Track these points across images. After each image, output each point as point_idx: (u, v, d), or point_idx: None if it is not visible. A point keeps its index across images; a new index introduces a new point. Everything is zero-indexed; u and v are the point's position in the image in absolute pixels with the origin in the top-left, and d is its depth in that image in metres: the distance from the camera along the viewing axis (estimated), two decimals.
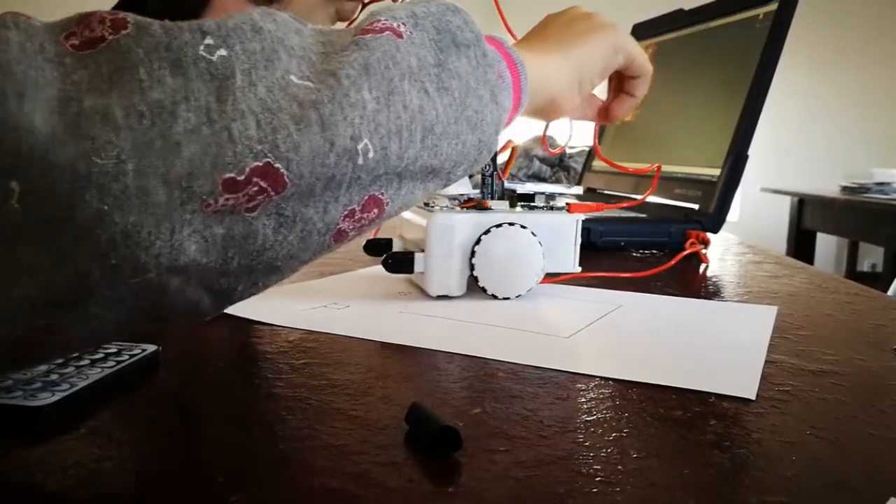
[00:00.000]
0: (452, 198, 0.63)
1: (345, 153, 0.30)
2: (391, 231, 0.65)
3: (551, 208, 0.63)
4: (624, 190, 1.15)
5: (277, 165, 0.28)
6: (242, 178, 0.27)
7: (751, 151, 0.89)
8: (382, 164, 0.32)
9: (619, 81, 0.57)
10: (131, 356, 0.39)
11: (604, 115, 0.58)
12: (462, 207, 0.60)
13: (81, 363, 0.37)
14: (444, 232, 0.57)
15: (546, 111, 0.48)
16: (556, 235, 0.61)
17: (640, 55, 0.54)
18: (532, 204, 0.65)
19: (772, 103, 0.90)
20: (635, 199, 0.76)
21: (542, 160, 1.64)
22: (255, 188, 0.28)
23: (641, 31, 1.28)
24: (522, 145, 1.66)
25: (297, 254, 0.31)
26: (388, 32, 0.33)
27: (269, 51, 0.29)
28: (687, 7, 1.15)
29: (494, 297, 0.58)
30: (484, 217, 0.58)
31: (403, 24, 0.34)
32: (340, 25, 0.74)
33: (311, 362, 0.44)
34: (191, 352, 0.45)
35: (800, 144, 5.38)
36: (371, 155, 0.31)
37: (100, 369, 0.36)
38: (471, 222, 0.57)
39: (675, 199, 0.99)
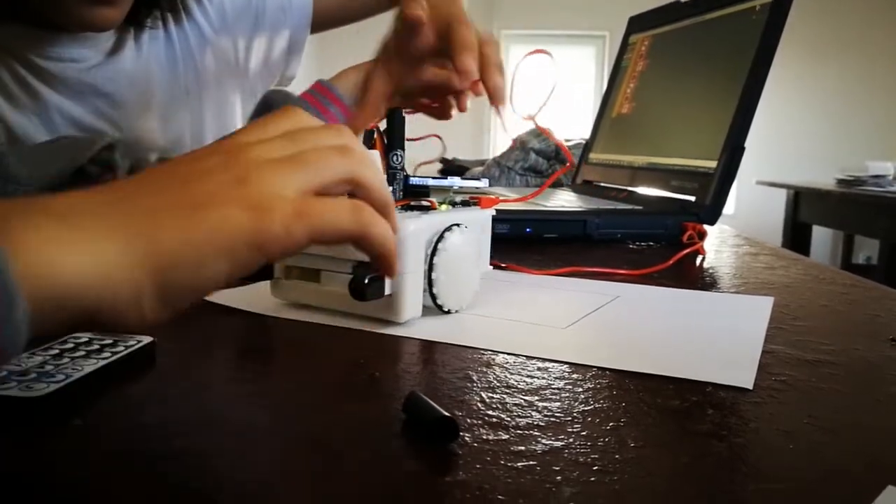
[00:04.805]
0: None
1: None
2: None
3: (465, 203, 0.56)
4: (620, 182, 1.15)
5: None
6: None
7: (746, 144, 0.89)
8: None
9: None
10: (126, 347, 0.38)
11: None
12: None
13: (76, 354, 0.37)
14: (417, 241, 0.47)
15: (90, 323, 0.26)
16: (482, 233, 0.56)
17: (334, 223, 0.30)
18: (422, 204, 0.53)
19: (768, 96, 0.90)
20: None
21: (538, 153, 1.64)
22: None
23: (638, 24, 1.28)
24: (519, 137, 1.66)
25: None
26: None
27: None
28: None
29: (447, 311, 0.50)
30: (433, 219, 0.49)
31: None
32: None
33: (308, 353, 0.44)
34: (186, 343, 0.45)
35: (795, 137, 5.39)
36: None
37: (95, 360, 0.36)
38: (429, 227, 0.48)
39: (672, 192, 0.99)
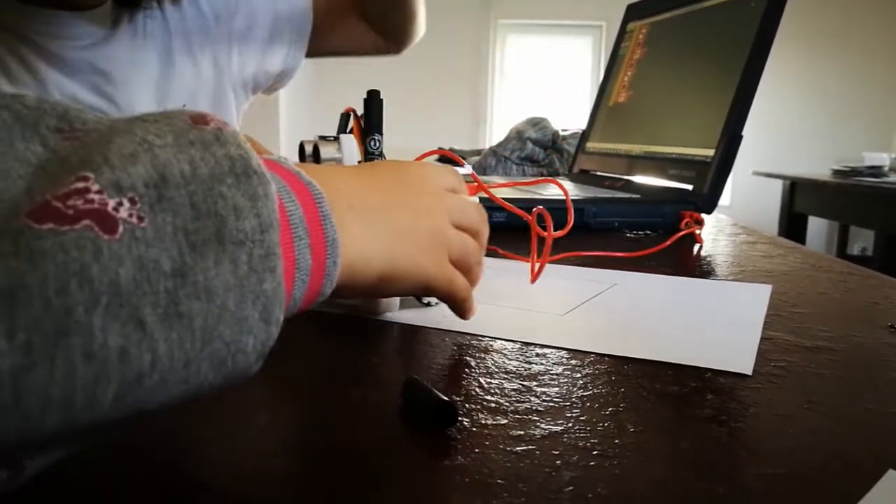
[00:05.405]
0: None
1: None
2: None
3: None
4: (617, 172, 1.14)
5: None
6: None
7: (743, 134, 0.89)
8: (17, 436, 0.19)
9: None
10: None
11: None
12: None
13: None
14: None
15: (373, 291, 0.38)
16: None
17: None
18: None
19: (765, 87, 0.90)
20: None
21: (535, 142, 1.64)
22: None
23: (636, 12, 1.27)
24: (515, 127, 1.65)
25: None
26: (88, 223, 0.20)
27: None
28: None
29: (428, 304, 0.49)
30: None
31: (133, 199, 0.21)
32: None
33: (300, 340, 0.43)
34: None
35: (792, 128, 5.39)
36: None
37: None
38: None
39: (669, 180, 0.99)
